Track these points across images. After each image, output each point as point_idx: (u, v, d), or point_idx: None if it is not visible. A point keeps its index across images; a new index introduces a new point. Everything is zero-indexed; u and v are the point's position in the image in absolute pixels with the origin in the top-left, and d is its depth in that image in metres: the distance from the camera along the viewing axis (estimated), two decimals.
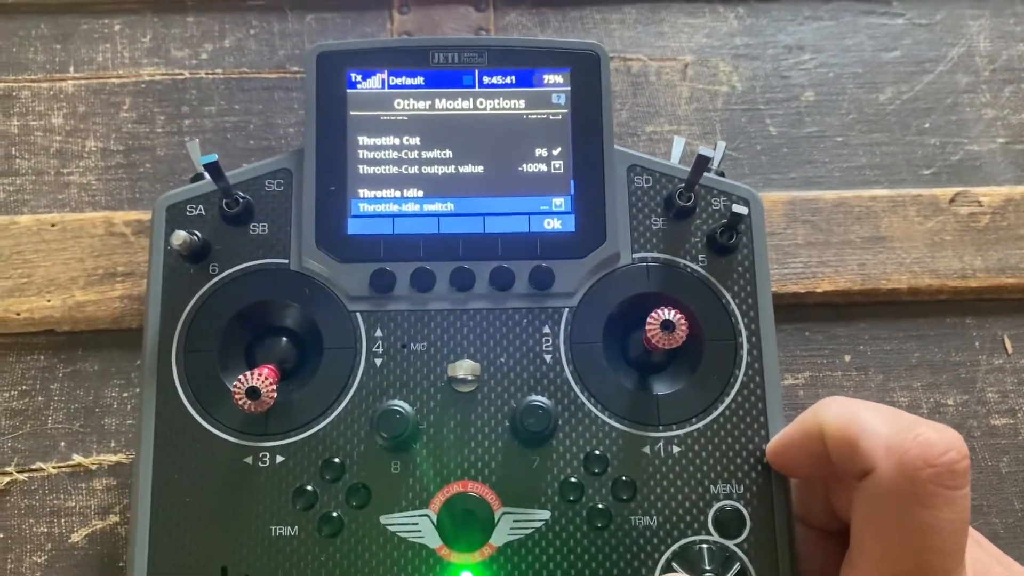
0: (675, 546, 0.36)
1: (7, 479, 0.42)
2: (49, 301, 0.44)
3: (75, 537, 0.42)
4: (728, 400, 0.37)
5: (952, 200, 0.48)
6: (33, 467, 0.43)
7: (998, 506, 0.44)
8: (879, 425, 0.31)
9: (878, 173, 0.49)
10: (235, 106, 0.49)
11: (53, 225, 0.46)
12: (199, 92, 0.49)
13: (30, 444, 0.43)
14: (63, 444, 0.43)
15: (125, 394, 0.44)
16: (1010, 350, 0.46)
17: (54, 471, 0.43)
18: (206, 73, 0.50)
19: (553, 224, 0.39)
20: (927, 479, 0.29)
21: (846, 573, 0.32)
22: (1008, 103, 0.51)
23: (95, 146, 0.48)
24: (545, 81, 0.40)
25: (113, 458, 0.43)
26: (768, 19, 0.52)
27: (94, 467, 0.43)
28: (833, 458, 0.32)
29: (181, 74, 0.50)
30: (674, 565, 0.35)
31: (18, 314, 0.44)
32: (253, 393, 0.34)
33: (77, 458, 0.43)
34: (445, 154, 0.39)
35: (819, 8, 0.53)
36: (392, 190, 0.39)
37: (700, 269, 0.39)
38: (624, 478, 0.36)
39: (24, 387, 0.44)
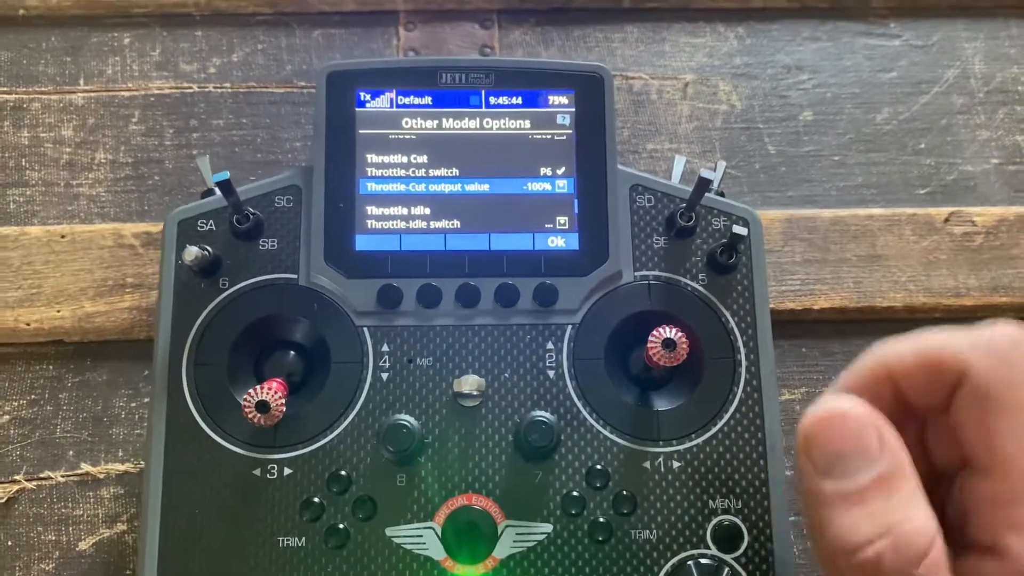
0: (674, 560, 0.36)
1: (16, 487, 0.43)
2: (58, 312, 0.45)
3: (83, 545, 0.42)
4: (727, 416, 0.38)
5: (947, 220, 0.49)
6: (41, 476, 0.43)
7: None
8: (946, 337, 0.29)
9: (874, 192, 0.50)
10: (243, 120, 0.50)
11: (63, 236, 0.46)
12: (207, 106, 0.50)
13: (39, 453, 0.44)
14: (71, 453, 0.44)
15: (133, 404, 0.45)
16: None
17: (62, 480, 0.43)
18: (214, 87, 0.51)
19: (557, 242, 0.40)
20: (1021, 359, 0.28)
21: (981, 486, 0.29)
22: (1002, 124, 0.52)
23: (104, 158, 0.49)
24: (550, 102, 0.41)
25: (121, 467, 0.44)
26: (767, 39, 0.53)
27: (102, 476, 0.43)
28: (912, 393, 0.30)
29: (190, 88, 0.51)
30: None
31: (28, 324, 0.45)
32: (263, 407, 0.35)
33: (85, 467, 0.43)
34: (452, 172, 0.40)
35: (817, 29, 0.54)
36: (399, 207, 0.40)
37: (700, 288, 0.40)
38: (625, 492, 0.37)
39: (33, 396, 0.45)
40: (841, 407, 0.29)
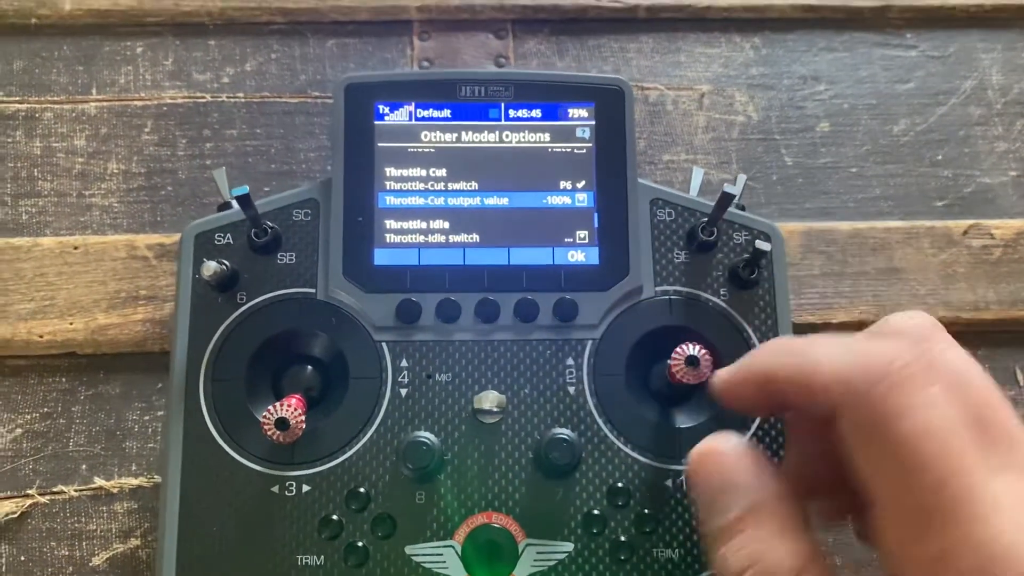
0: None
1: (29, 502, 0.43)
2: (71, 324, 0.45)
3: (96, 560, 0.42)
4: (749, 434, 0.38)
5: (965, 232, 0.48)
6: (55, 490, 0.43)
7: None
8: (823, 360, 0.28)
9: (892, 204, 0.50)
10: (256, 130, 0.50)
11: (76, 248, 0.46)
12: (220, 116, 0.50)
13: (52, 467, 0.43)
14: (84, 467, 0.43)
15: (147, 417, 0.44)
16: (1022, 382, 0.47)
17: (75, 494, 0.43)
18: (227, 97, 0.50)
19: (577, 257, 0.39)
20: (886, 396, 0.27)
21: (881, 531, 0.28)
22: (1020, 136, 0.51)
23: (117, 168, 0.49)
24: (570, 115, 0.40)
25: (134, 481, 0.43)
26: (784, 49, 0.53)
27: (115, 490, 0.43)
28: (795, 405, 0.31)
29: (203, 97, 0.50)
30: None
31: (40, 336, 0.44)
32: (282, 424, 0.34)
33: (99, 481, 0.43)
34: (471, 186, 0.40)
35: (834, 39, 0.53)
36: (418, 221, 0.39)
37: (722, 303, 0.39)
38: (647, 511, 0.36)
39: (46, 409, 0.44)
40: (716, 446, 0.31)
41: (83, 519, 0.43)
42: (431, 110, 0.40)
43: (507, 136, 0.40)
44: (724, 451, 0.30)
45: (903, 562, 0.27)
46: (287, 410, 0.35)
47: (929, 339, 0.29)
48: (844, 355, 0.28)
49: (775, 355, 0.31)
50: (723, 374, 0.33)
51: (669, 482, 0.37)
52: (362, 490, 0.36)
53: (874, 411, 0.27)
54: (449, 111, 0.40)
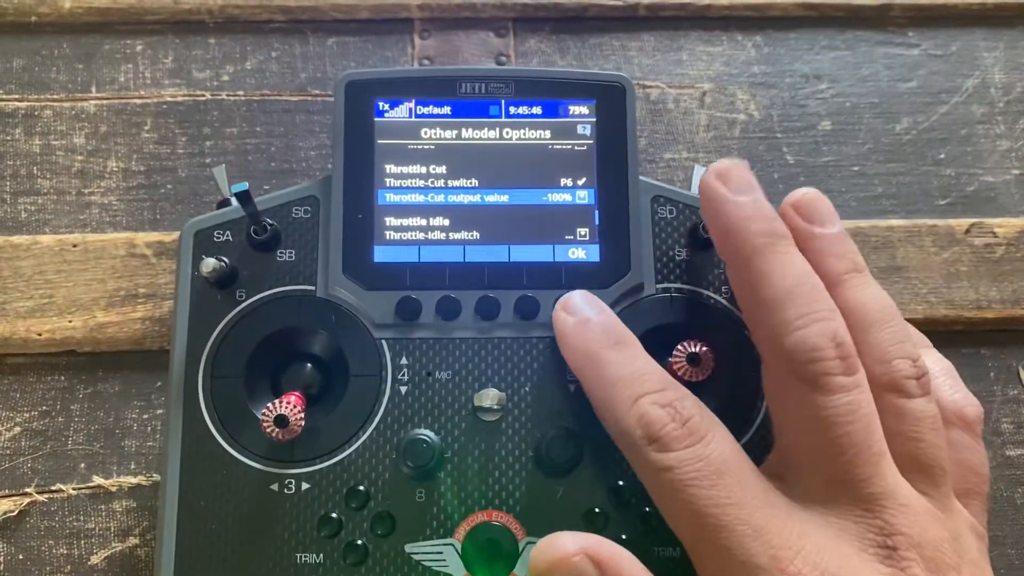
0: None
1: (27, 500, 0.42)
2: (70, 322, 0.45)
3: (94, 559, 0.42)
4: (751, 432, 0.37)
5: (968, 231, 0.48)
6: (53, 488, 0.43)
7: (1014, 536, 0.44)
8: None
9: (894, 203, 0.50)
10: (256, 128, 0.49)
11: (75, 246, 0.46)
12: (220, 114, 0.50)
13: (50, 465, 0.43)
14: (83, 465, 0.43)
15: (145, 416, 0.44)
16: None
17: (74, 492, 0.43)
18: (227, 95, 0.50)
19: (578, 254, 0.39)
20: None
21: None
22: (1022, 134, 0.51)
23: (116, 166, 0.49)
24: (571, 112, 0.40)
25: (133, 480, 0.43)
26: (785, 48, 0.53)
27: (114, 489, 0.43)
28: None
29: (203, 95, 0.50)
30: None
31: (39, 334, 0.44)
32: (281, 421, 0.34)
33: (97, 479, 0.43)
34: (471, 183, 0.40)
35: (835, 38, 0.53)
36: (418, 218, 0.39)
37: (724, 300, 0.39)
38: (648, 509, 0.36)
39: (44, 408, 0.44)
40: (558, 549, 0.31)
41: (82, 518, 0.42)
42: (431, 107, 0.40)
43: (507, 133, 0.40)
44: (566, 556, 0.31)
45: None
46: (286, 407, 0.34)
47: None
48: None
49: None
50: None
51: None
52: (362, 488, 0.36)
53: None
54: (449, 108, 0.40)
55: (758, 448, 0.37)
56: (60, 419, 0.44)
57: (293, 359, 0.38)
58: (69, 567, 0.42)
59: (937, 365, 0.37)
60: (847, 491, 0.31)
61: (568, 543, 0.31)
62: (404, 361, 0.38)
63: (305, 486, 0.36)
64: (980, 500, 0.34)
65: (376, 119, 0.40)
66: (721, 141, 0.50)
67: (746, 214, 0.33)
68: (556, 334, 0.36)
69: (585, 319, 0.35)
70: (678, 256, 0.40)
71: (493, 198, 0.40)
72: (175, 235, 0.45)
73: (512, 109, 0.40)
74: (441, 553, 0.36)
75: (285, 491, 0.36)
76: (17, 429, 0.44)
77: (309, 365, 0.38)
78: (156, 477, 0.43)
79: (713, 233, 0.35)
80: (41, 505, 0.43)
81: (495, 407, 0.37)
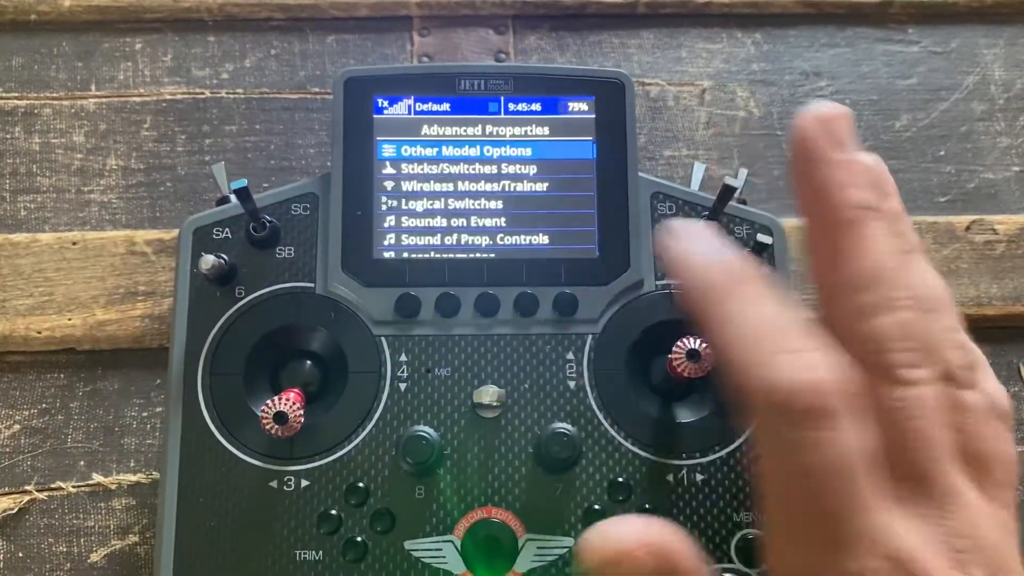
0: None
1: (27, 498, 0.42)
2: (70, 320, 0.45)
3: (94, 557, 0.42)
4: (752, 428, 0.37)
5: (968, 228, 0.48)
6: (52, 486, 0.43)
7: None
8: (744, 355, 0.27)
9: None
10: (256, 126, 0.49)
11: (74, 244, 0.46)
12: (220, 112, 0.50)
13: (49, 463, 0.43)
14: (83, 463, 0.43)
15: (145, 413, 0.44)
16: None
17: (73, 490, 0.43)
18: (227, 93, 0.50)
19: (577, 250, 0.39)
20: (791, 425, 0.25)
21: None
22: (1023, 131, 0.51)
23: (116, 164, 0.49)
24: (570, 109, 0.40)
25: (132, 478, 0.43)
26: (785, 45, 0.53)
27: (113, 487, 0.43)
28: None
29: (202, 93, 0.50)
30: None
31: (39, 332, 0.44)
32: (281, 418, 0.34)
33: (97, 477, 0.43)
34: (470, 180, 0.40)
35: (835, 35, 0.53)
36: (417, 215, 0.39)
37: None
38: (647, 506, 0.36)
39: (44, 405, 0.44)
40: (618, 541, 0.27)
41: (81, 515, 0.42)
42: (430, 104, 0.40)
43: (506, 130, 0.40)
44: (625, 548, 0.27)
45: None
46: (286, 404, 0.34)
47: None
48: (759, 367, 0.26)
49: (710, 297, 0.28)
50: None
51: (670, 477, 0.37)
52: (361, 485, 0.36)
53: (778, 437, 0.26)
54: (448, 104, 0.40)
55: None
56: (60, 417, 0.44)
57: (292, 356, 0.38)
58: (69, 565, 0.42)
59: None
60: (916, 489, 0.29)
61: (626, 535, 0.27)
62: (403, 358, 0.38)
63: (304, 483, 0.36)
64: (1014, 492, 0.33)
65: (375, 116, 0.40)
66: (721, 138, 0.50)
67: (842, 180, 0.30)
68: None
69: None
70: None
71: (492, 195, 0.40)
72: (174, 233, 0.45)
73: (511, 106, 0.40)
74: (441, 550, 0.36)
75: (284, 488, 0.36)
76: (17, 427, 0.44)
77: (308, 362, 0.38)
78: (155, 475, 0.43)
79: (799, 190, 0.31)
80: (41, 503, 0.43)
81: (494, 404, 0.37)
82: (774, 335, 0.27)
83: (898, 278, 0.29)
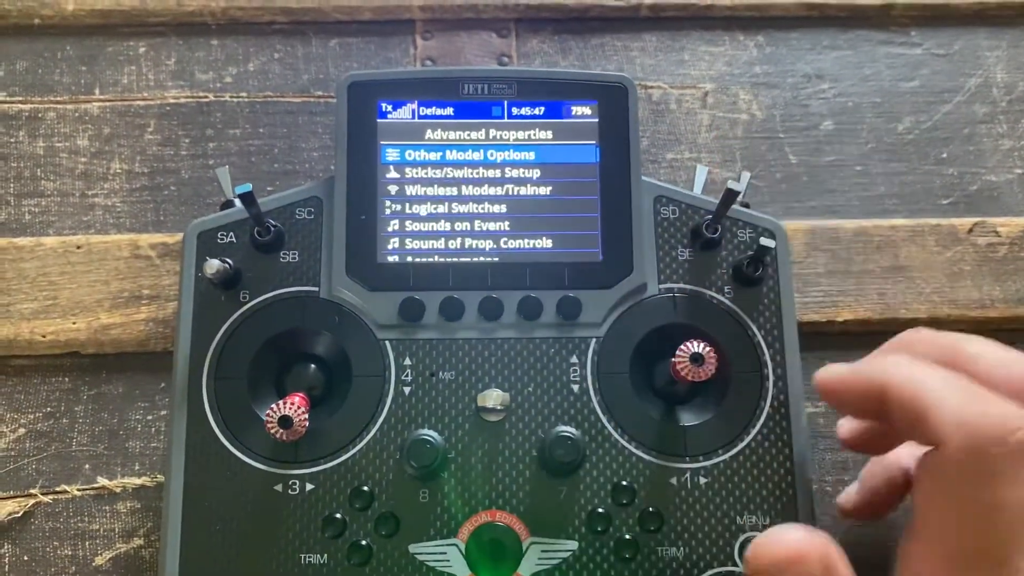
0: None
1: (32, 501, 0.43)
2: (74, 323, 0.45)
3: (99, 560, 0.42)
4: (754, 432, 0.38)
5: (971, 230, 0.48)
6: (57, 489, 0.43)
7: None
8: (948, 397, 0.30)
9: (897, 202, 0.50)
10: (260, 130, 0.50)
11: (79, 247, 0.46)
12: (224, 115, 0.50)
13: (54, 466, 0.43)
14: (87, 467, 0.43)
15: (149, 417, 0.44)
16: None
17: (78, 494, 0.43)
18: (231, 96, 0.50)
19: (581, 254, 0.39)
20: (996, 458, 0.28)
21: (908, 543, 0.31)
22: None
23: (120, 168, 0.49)
24: (573, 112, 0.40)
25: (137, 481, 0.43)
26: (787, 48, 0.53)
27: (118, 490, 0.43)
28: (895, 421, 0.32)
29: (206, 97, 0.50)
30: None
31: (43, 336, 0.44)
32: (286, 422, 0.34)
33: (102, 481, 0.43)
34: (474, 184, 0.40)
35: (838, 37, 0.53)
36: (421, 220, 0.39)
37: (726, 300, 0.39)
38: (651, 509, 0.36)
39: (49, 409, 0.44)
40: (790, 546, 0.30)
41: (86, 519, 0.42)
42: (434, 108, 0.40)
43: (510, 134, 0.40)
44: (798, 551, 0.30)
45: None
46: (290, 408, 0.34)
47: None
48: (969, 404, 0.29)
49: (897, 371, 0.32)
50: (834, 370, 0.34)
51: (674, 480, 0.37)
52: (365, 488, 0.36)
53: (982, 467, 0.28)
54: (452, 109, 0.40)
55: (760, 448, 0.37)
56: (64, 421, 0.44)
57: (297, 360, 0.39)
58: (74, 568, 0.42)
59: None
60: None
61: (800, 542, 0.31)
62: (408, 362, 0.38)
63: (309, 487, 0.36)
64: None
65: (379, 120, 0.40)
66: (724, 141, 0.50)
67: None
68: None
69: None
70: (681, 256, 0.40)
71: (495, 199, 0.40)
72: (179, 237, 0.45)
73: (515, 110, 0.40)
74: (445, 553, 0.36)
75: (289, 492, 0.36)
76: (22, 431, 0.44)
77: (313, 366, 0.38)
78: (160, 478, 0.43)
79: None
80: (46, 506, 0.43)
81: (498, 407, 0.37)
82: (972, 386, 0.30)
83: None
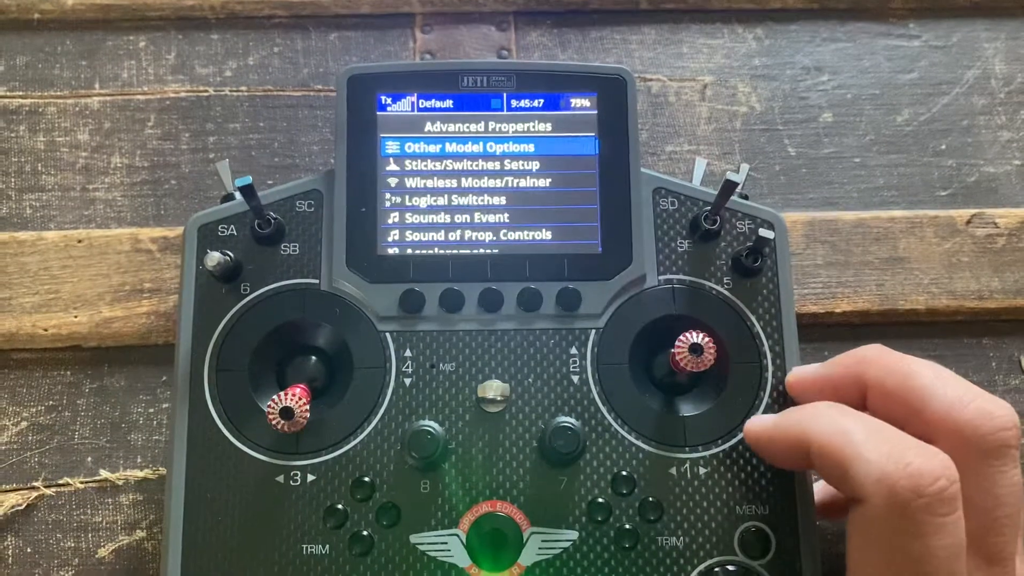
0: (701, 567, 0.36)
1: (35, 494, 0.43)
2: (76, 317, 0.45)
3: (102, 552, 0.42)
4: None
5: (969, 221, 0.48)
6: (60, 482, 0.43)
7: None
8: (869, 452, 0.30)
9: (895, 194, 0.50)
10: (260, 124, 0.50)
11: (80, 241, 0.46)
12: (223, 109, 0.50)
13: (57, 459, 0.43)
14: (90, 459, 0.44)
15: (151, 410, 0.44)
16: None
17: (81, 486, 0.43)
18: (230, 90, 0.50)
19: (580, 246, 0.39)
20: (918, 510, 0.29)
21: None
22: (1023, 125, 0.51)
23: (120, 162, 0.49)
24: (572, 105, 0.40)
25: (139, 473, 0.43)
26: (786, 40, 0.53)
27: (120, 482, 0.43)
28: (821, 474, 0.32)
29: (206, 91, 0.50)
30: None
31: (45, 330, 0.45)
32: (287, 413, 0.34)
33: (104, 473, 0.43)
34: (473, 176, 0.40)
35: (836, 30, 0.53)
36: (421, 211, 0.39)
37: (725, 291, 0.39)
38: (651, 499, 0.36)
39: (51, 402, 0.44)
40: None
41: (89, 511, 0.43)
42: (433, 100, 0.40)
43: (509, 126, 0.40)
44: None
45: None
46: (292, 400, 0.35)
47: (963, 457, 0.31)
48: (888, 458, 0.30)
49: (818, 426, 0.32)
50: (758, 424, 0.36)
51: (673, 470, 0.37)
52: (367, 479, 0.36)
53: (903, 520, 0.29)
54: (451, 101, 0.40)
55: None
56: (67, 414, 0.44)
57: (298, 352, 0.39)
58: (77, 560, 0.42)
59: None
60: (990, 567, 0.32)
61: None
62: (408, 353, 0.38)
63: (311, 478, 0.37)
64: None
65: (378, 113, 0.40)
66: (723, 134, 0.51)
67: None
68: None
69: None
70: (680, 248, 0.40)
71: (495, 191, 0.40)
72: (179, 230, 0.46)
73: (514, 102, 0.40)
74: (446, 543, 0.36)
75: (291, 483, 0.36)
76: (24, 424, 0.44)
77: (314, 358, 0.39)
78: (162, 471, 0.43)
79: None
80: (48, 499, 0.43)
81: (499, 398, 0.37)
82: (891, 434, 0.31)
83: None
